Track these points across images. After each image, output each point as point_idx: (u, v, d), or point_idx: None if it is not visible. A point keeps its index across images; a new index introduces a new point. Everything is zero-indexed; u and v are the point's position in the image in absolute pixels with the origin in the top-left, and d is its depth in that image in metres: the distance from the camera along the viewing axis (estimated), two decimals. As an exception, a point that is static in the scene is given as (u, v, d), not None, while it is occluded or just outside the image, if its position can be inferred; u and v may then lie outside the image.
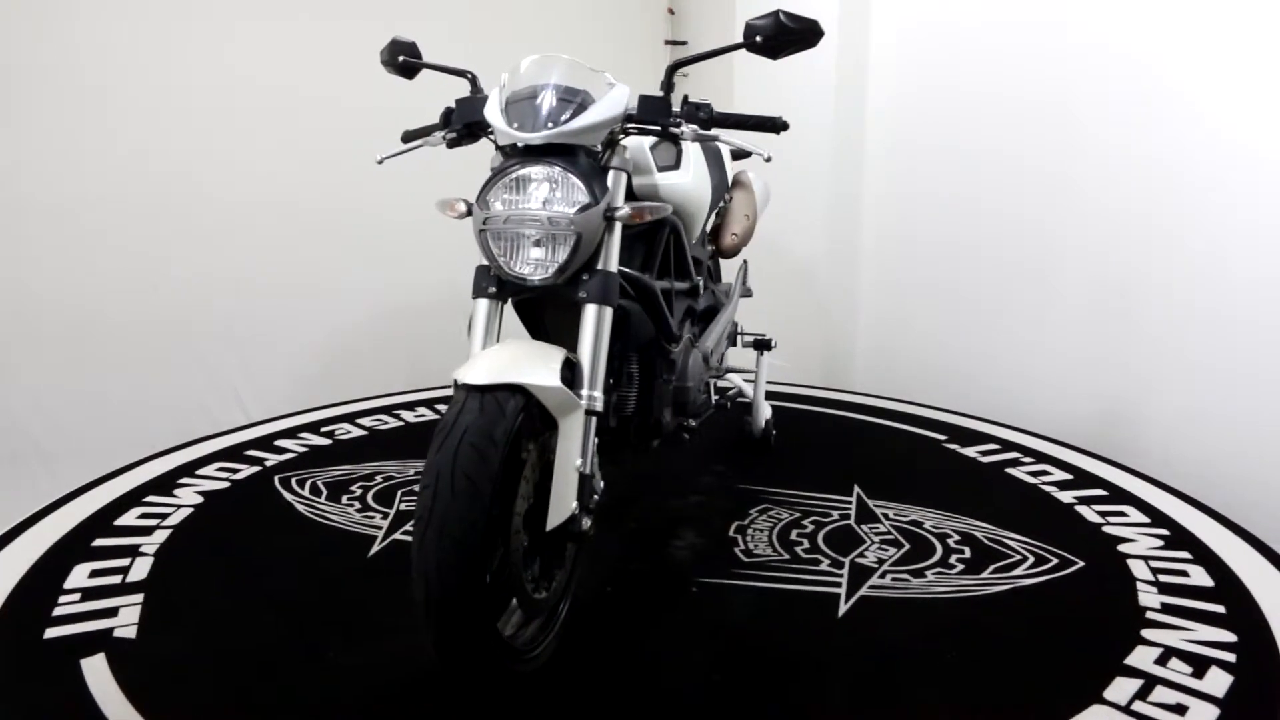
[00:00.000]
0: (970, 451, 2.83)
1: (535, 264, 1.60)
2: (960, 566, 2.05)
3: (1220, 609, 1.83)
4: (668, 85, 1.71)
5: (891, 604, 1.89)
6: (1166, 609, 1.84)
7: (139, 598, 1.87)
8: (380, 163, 1.87)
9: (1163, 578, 1.97)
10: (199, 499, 2.41)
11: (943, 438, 2.96)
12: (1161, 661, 1.65)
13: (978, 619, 1.83)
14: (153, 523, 2.25)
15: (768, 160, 1.62)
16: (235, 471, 2.62)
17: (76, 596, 1.86)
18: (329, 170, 3.58)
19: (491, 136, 1.73)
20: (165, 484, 2.50)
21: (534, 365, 1.49)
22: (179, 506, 2.35)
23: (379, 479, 2.59)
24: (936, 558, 2.09)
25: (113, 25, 3.18)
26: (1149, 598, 1.89)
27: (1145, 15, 2.66)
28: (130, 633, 1.74)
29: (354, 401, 3.34)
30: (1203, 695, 1.54)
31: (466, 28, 3.56)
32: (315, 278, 3.67)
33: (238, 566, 2.06)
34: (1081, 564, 2.04)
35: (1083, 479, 2.55)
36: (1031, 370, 3.14)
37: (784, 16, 1.61)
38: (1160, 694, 1.55)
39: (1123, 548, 2.12)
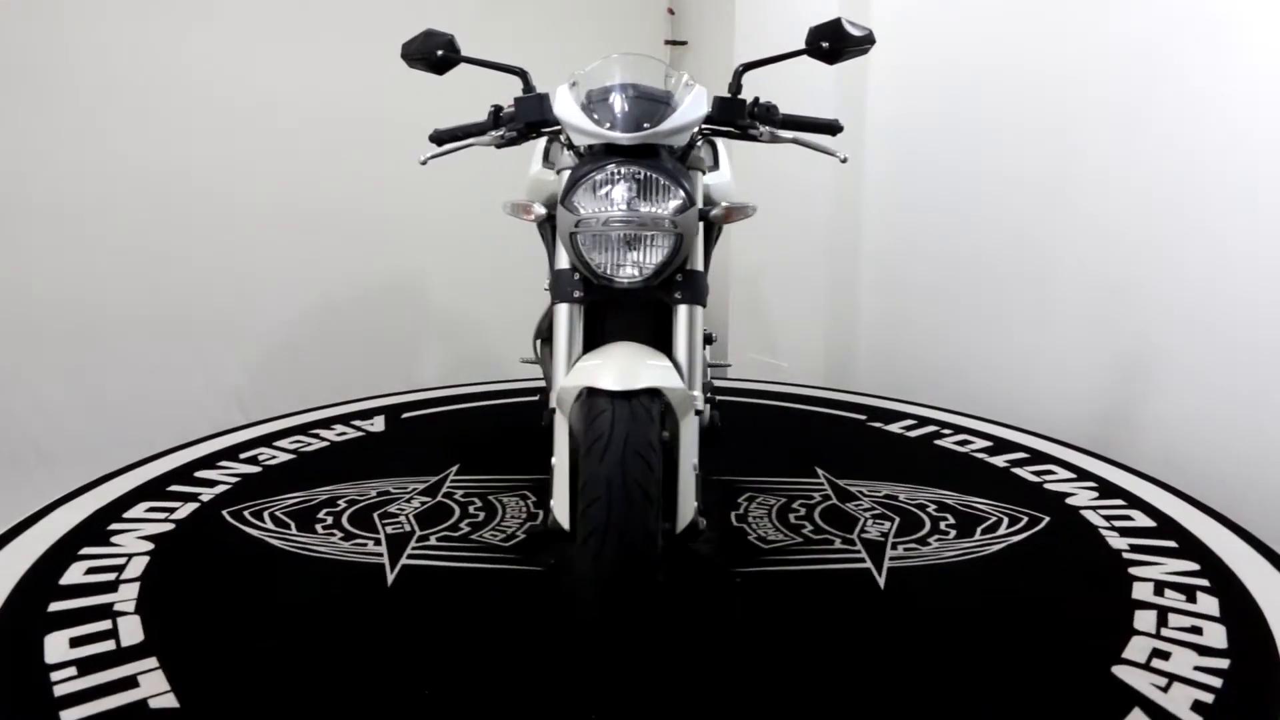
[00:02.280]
0: (895, 428, 3.08)
1: (634, 265, 1.59)
2: (953, 533, 2.25)
3: (1173, 544, 2.16)
4: (737, 86, 1.74)
5: (919, 572, 2.05)
6: (1135, 550, 2.13)
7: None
8: (424, 163, 1.77)
9: (1115, 524, 2.28)
10: (149, 545, 2.13)
11: (863, 417, 3.20)
12: (1159, 592, 1.92)
13: (995, 575, 2.03)
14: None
15: (844, 161, 1.70)
16: (171, 510, 2.34)
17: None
18: (329, 171, 3.66)
19: (559, 136, 1.68)
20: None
21: (658, 369, 1.49)
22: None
23: (342, 503, 2.41)
24: (929, 527, 2.28)
25: (113, 27, 3.20)
26: (1115, 541, 2.18)
27: (1145, 17, 2.69)
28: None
29: (268, 421, 3.07)
30: (1204, 616, 1.82)
31: (466, 28, 3.68)
32: (316, 278, 3.73)
33: (247, 618, 1.86)
34: (1047, 519, 2.32)
35: (1001, 445, 2.87)
36: (1031, 370, 3.18)
37: (846, 23, 1.70)
38: (1175, 620, 1.81)
39: (1069, 501, 2.43)
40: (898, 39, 3.40)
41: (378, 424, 3.09)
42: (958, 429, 3.04)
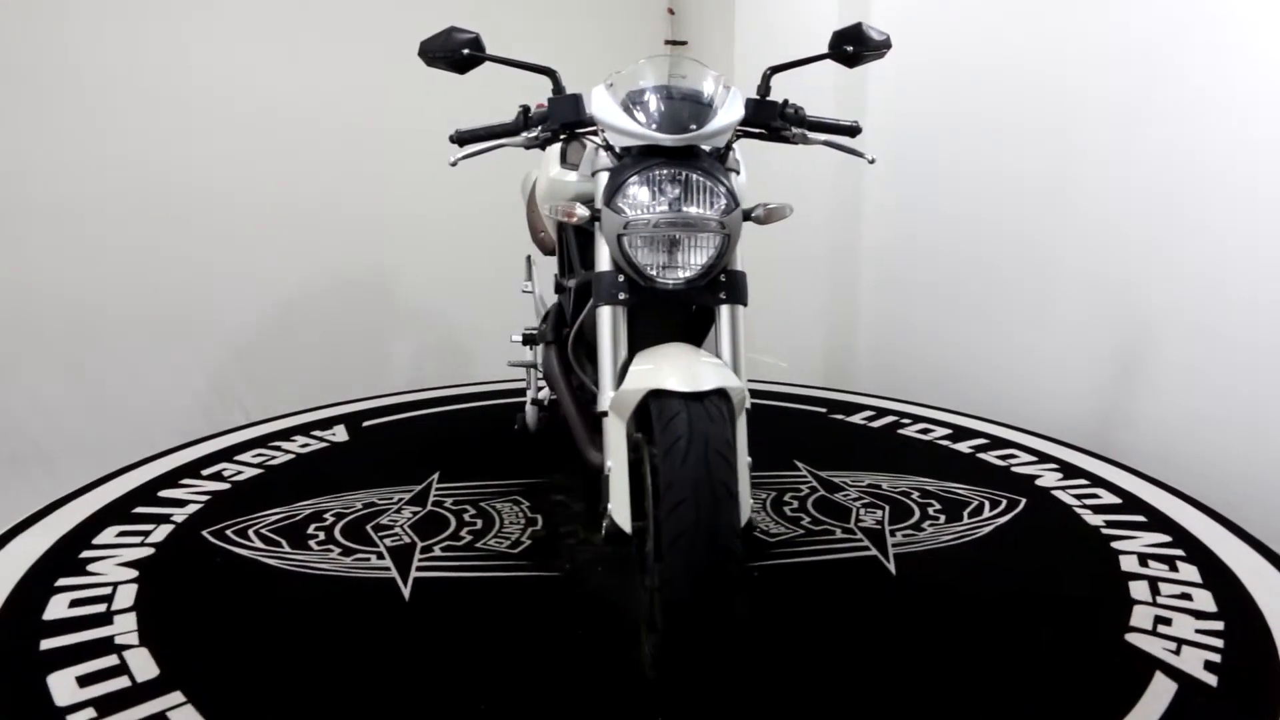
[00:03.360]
0: (857, 419, 3.19)
1: (683, 266, 1.59)
2: (943, 518, 2.35)
3: (1142, 518, 2.32)
4: (766, 88, 1.76)
5: (923, 557, 2.13)
6: (1110, 525, 2.28)
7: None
8: (454, 164, 1.72)
9: (1085, 501, 2.43)
10: (132, 572, 2.00)
11: (824, 410, 3.30)
12: (1144, 564, 2.07)
13: (993, 556, 2.14)
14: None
15: (871, 162, 1.75)
16: (145, 534, 2.19)
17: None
18: (330, 171, 3.68)
19: (593, 137, 1.67)
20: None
21: (720, 369, 1.50)
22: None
23: (329, 517, 2.32)
24: (919, 514, 2.38)
25: (113, 27, 3.22)
26: (1091, 518, 2.33)
27: (1145, 17, 2.68)
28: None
29: (224, 434, 2.91)
30: (1189, 583, 1.97)
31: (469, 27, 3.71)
32: (316, 278, 3.74)
33: (267, 642, 1.77)
34: (1024, 500, 2.45)
35: (960, 431, 3.01)
36: (1031, 370, 3.17)
37: (867, 27, 1.75)
38: (1165, 589, 1.95)
39: (1039, 483, 2.57)
40: (897, 39, 3.27)
41: (339, 434, 2.98)
42: (916, 418, 3.17)
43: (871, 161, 1.76)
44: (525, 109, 1.74)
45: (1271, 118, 2.36)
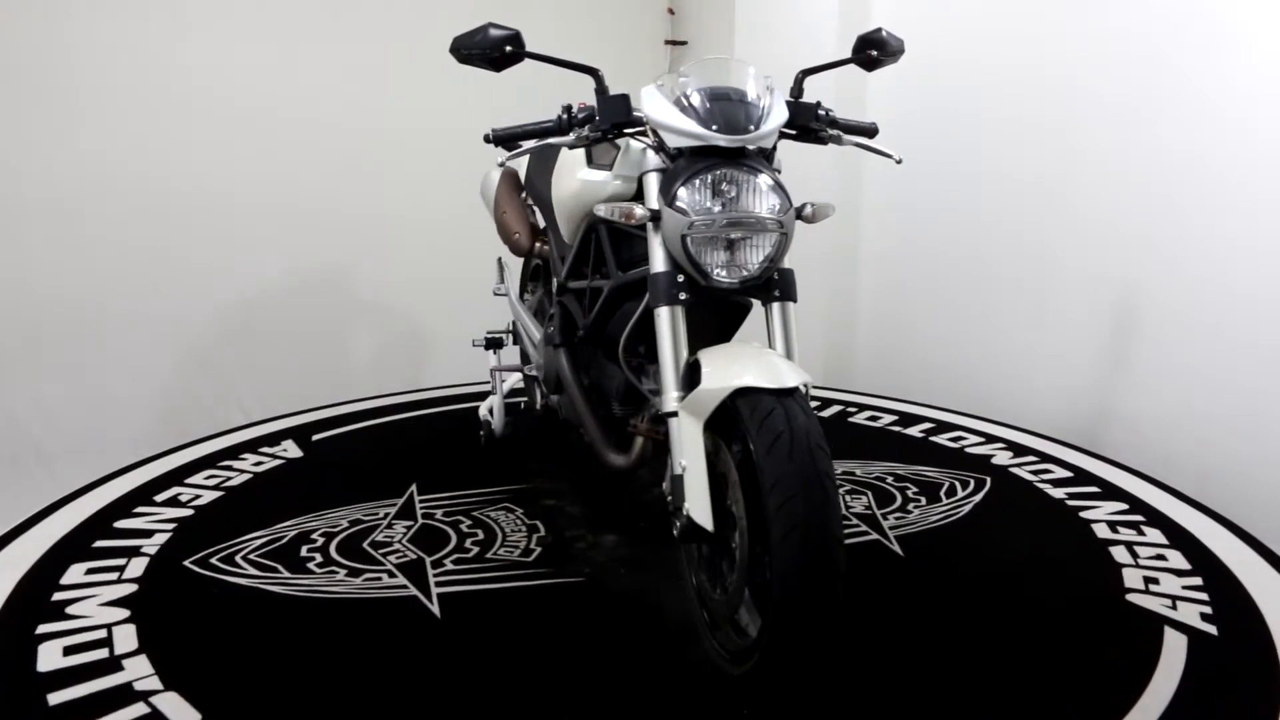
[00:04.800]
0: (807, 411, 3.29)
1: (743, 265, 1.61)
2: (924, 500, 2.47)
3: (1096, 489, 2.52)
4: (799, 91, 1.80)
5: (921, 538, 2.24)
6: (1071, 497, 2.47)
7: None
8: (502, 165, 1.66)
9: (1041, 477, 2.62)
10: (123, 612, 1.82)
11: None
12: (1114, 529, 2.26)
13: (983, 532, 2.27)
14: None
15: (899, 162, 1.82)
16: (119, 569, 2.00)
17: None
18: (330, 171, 3.66)
19: (643, 137, 1.66)
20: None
21: (790, 365, 1.54)
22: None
23: (318, 538, 2.19)
24: (900, 498, 2.49)
25: (114, 27, 3.23)
26: (1051, 491, 2.51)
27: (1145, 17, 2.69)
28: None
29: (164, 456, 2.68)
30: (1159, 544, 2.16)
31: (465, 28, 3.61)
32: (316, 278, 3.74)
33: (307, 674, 1.66)
34: (989, 479, 2.61)
35: (906, 418, 3.17)
36: (1030, 369, 3.17)
37: (887, 33, 1.82)
38: (1142, 550, 2.14)
39: (995, 462, 2.75)
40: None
41: (290, 449, 2.81)
42: (861, 406, 3.31)
43: (898, 161, 1.83)
44: (567, 108, 1.71)
45: (1271, 118, 2.37)
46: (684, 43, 4.31)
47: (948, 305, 3.47)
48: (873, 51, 1.82)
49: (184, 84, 3.39)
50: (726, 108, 1.60)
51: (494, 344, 2.88)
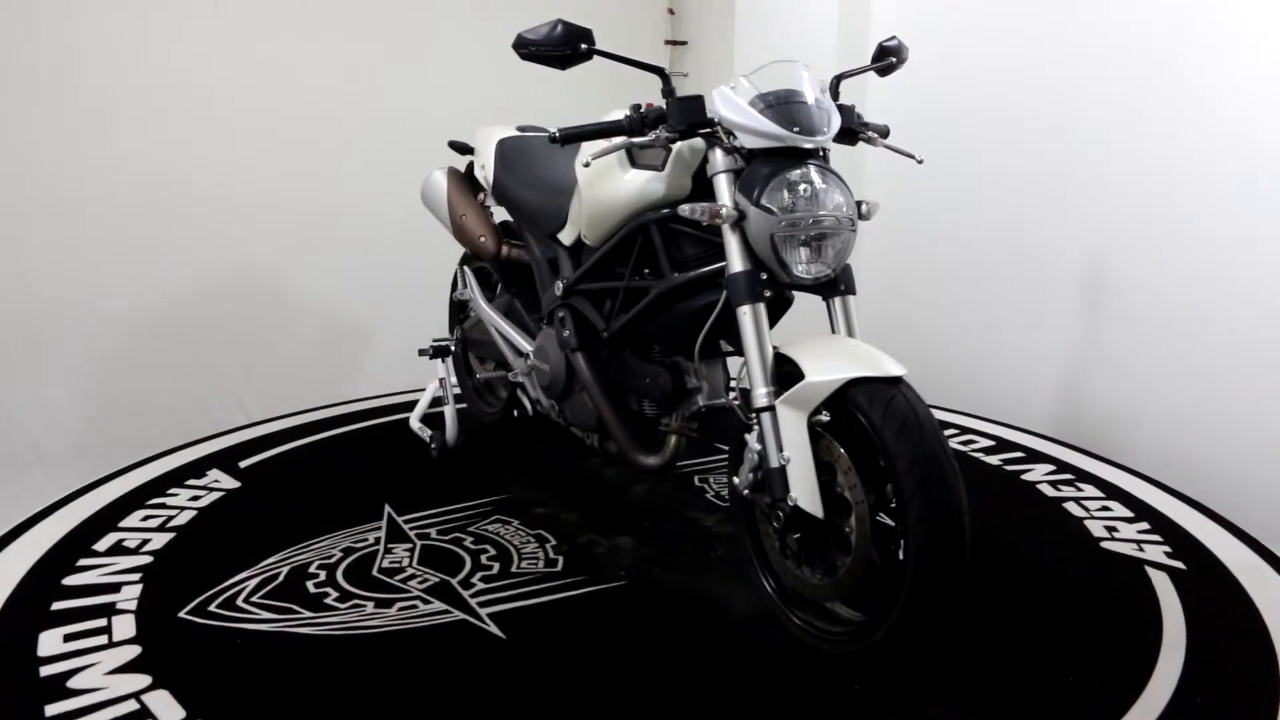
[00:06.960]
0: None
1: (823, 261, 1.67)
2: (885, 475, 2.64)
3: (1051, 467, 2.66)
4: (836, 95, 1.87)
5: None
6: (1006, 462, 2.73)
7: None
8: (587, 166, 1.60)
9: (971, 447, 2.87)
10: (143, 680, 1.59)
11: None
12: (1056, 488, 2.52)
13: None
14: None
15: (920, 162, 1.94)
16: (98, 631, 1.73)
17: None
18: (331, 172, 3.65)
19: (716, 136, 1.66)
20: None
21: (883, 354, 1.61)
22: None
23: (317, 571, 2.01)
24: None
25: (114, 28, 3.22)
26: (987, 459, 2.77)
27: (1145, 17, 2.70)
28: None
29: (84, 492, 2.32)
30: (1096, 496, 2.44)
31: (464, 28, 3.48)
32: (315, 278, 3.71)
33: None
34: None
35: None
36: (1030, 370, 3.17)
37: (900, 41, 1.94)
38: (1091, 505, 2.41)
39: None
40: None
41: (222, 478, 2.53)
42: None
43: (920, 161, 1.95)
44: (636, 107, 1.68)
45: (1271, 118, 2.38)
46: (684, 43, 4.30)
47: (947, 305, 3.46)
48: (891, 59, 1.93)
49: (184, 84, 3.38)
50: (802, 110, 1.65)
51: (441, 352, 2.74)
